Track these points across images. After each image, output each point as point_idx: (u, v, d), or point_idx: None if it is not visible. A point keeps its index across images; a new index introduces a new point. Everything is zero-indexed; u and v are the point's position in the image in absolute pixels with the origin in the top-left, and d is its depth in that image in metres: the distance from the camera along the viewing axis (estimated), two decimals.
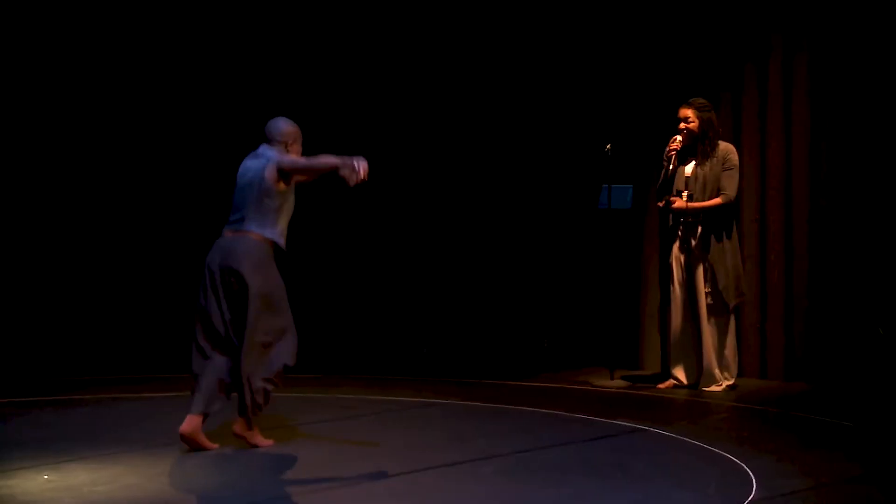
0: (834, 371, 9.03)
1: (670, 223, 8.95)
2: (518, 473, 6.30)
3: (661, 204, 8.89)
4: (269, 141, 6.84)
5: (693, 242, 8.80)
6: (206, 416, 6.69)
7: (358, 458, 6.61)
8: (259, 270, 6.66)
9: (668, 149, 8.82)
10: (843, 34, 9.05)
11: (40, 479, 6.09)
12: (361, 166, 6.46)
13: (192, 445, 6.65)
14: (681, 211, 8.77)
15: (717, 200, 8.75)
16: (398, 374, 9.58)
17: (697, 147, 8.82)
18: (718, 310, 8.78)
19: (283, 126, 6.86)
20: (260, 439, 6.80)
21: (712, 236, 8.74)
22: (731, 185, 8.78)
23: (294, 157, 6.79)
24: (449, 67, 10.75)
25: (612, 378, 9.16)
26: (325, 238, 10.63)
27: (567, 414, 7.92)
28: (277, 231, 6.74)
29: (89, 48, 10.73)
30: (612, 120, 9.90)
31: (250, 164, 6.78)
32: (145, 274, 10.91)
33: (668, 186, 8.88)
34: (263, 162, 6.71)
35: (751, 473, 6.20)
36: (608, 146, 9.11)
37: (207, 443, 6.70)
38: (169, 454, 6.61)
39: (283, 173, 6.68)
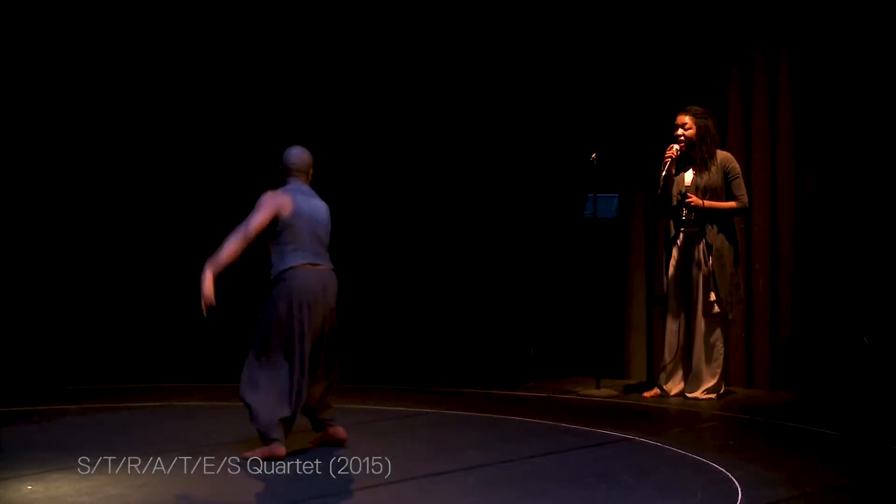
0: (819, 380, 9.04)
1: (671, 232, 8.95)
2: (503, 484, 6.29)
3: (675, 206, 8.85)
4: (289, 172, 7.05)
5: (695, 251, 8.81)
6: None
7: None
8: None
9: (665, 156, 8.81)
10: (826, 42, 9.08)
11: (24, 490, 6.06)
12: None
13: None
14: (697, 210, 8.72)
15: (733, 204, 8.76)
16: (382, 384, 9.57)
17: (696, 155, 8.82)
18: (720, 319, 8.78)
19: (307, 157, 7.11)
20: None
21: (715, 245, 8.73)
22: (743, 193, 8.80)
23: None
24: (437, 76, 10.75)
25: (597, 387, 9.15)
26: None
27: (552, 423, 7.91)
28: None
29: (99, 55, 10.79)
30: (597, 129, 9.91)
31: (319, 205, 7.03)
32: (130, 284, 10.91)
33: (666, 195, 8.88)
34: (325, 206, 7.05)
35: (736, 482, 6.20)
36: (593, 155, 9.12)
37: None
38: (153, 465, 6.58)
39: None
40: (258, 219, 6.81)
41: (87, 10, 10.69)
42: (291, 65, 10.94)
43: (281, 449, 6.73)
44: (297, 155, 7.03)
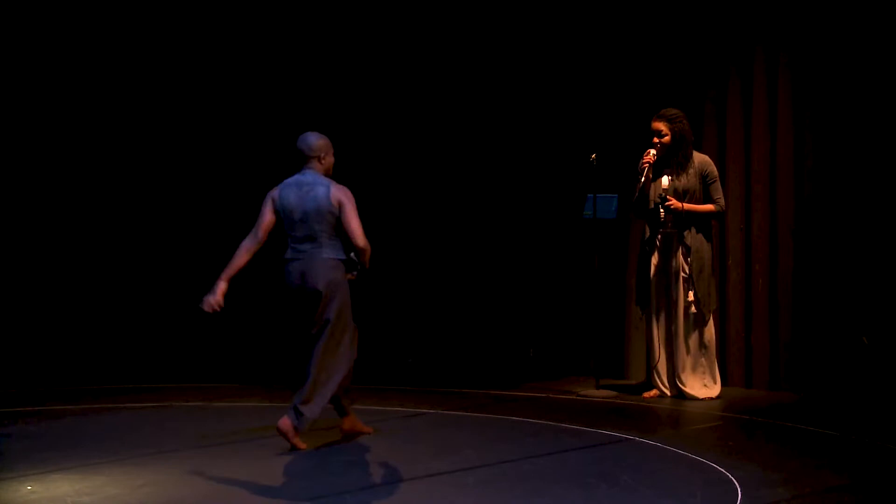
0: (819, 380, 9.04)
1: (647, 234, 8.97)
2: (502, 484, 6.28)
3: (656, 209, 8.86)
4: (304, 158, 7.10)
5: (672, 253, 8.82)
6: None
7: (342, 468, 6.60)
8: (339, 290, 7.08)
9: (641, 162, 8.83)
10: (826, 42, 9.07)
11: (24, 491, 6.06)
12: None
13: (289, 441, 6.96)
14: (676, 213, 8.73)
15: (711, 207, 8.78)
16: (383, 384, 9.56)
17: (672, 159, 8.83)
18: (699, 318, 8.79)
19: (313, 140, 7.15)
20: (298, 441, 7.04)
21: (692, 246, 8.75)
22: (720, 196, 8.82)
23: (351, 210, 7.08)
24: (437, 78, 10.75)
25: (597, 387, 9.15)
26: None
27: (552, 424, 7.91)
28: (344, 249, 7.15)
29: (101, 54, 10.80)
30: (597, 130, 9.91)
31: (313, 192, 7.02)
32: (130, 284, 10.91)
33: (643, 199, 8.90)
34: (325, 191, 7.01)
35: (736, 483, 6.19)
36: (593, 156, 9.12)
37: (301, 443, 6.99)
38: (152, 465, 6.59)
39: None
40: (260, 218, 7.05)
41: (86, 10, 10.69)
42: (294, 65, 10.94)
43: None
44: (303, 140, 7.16)
